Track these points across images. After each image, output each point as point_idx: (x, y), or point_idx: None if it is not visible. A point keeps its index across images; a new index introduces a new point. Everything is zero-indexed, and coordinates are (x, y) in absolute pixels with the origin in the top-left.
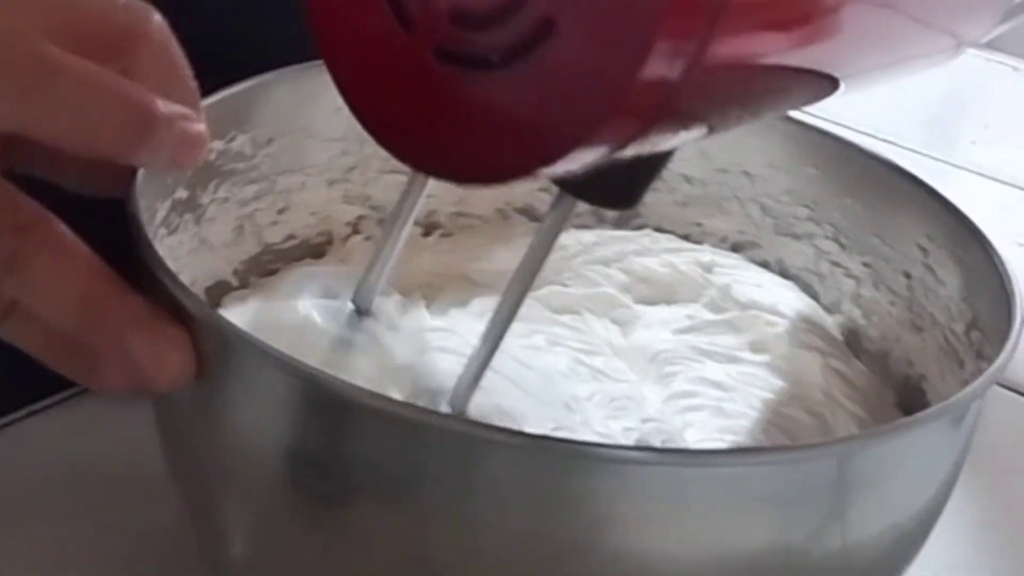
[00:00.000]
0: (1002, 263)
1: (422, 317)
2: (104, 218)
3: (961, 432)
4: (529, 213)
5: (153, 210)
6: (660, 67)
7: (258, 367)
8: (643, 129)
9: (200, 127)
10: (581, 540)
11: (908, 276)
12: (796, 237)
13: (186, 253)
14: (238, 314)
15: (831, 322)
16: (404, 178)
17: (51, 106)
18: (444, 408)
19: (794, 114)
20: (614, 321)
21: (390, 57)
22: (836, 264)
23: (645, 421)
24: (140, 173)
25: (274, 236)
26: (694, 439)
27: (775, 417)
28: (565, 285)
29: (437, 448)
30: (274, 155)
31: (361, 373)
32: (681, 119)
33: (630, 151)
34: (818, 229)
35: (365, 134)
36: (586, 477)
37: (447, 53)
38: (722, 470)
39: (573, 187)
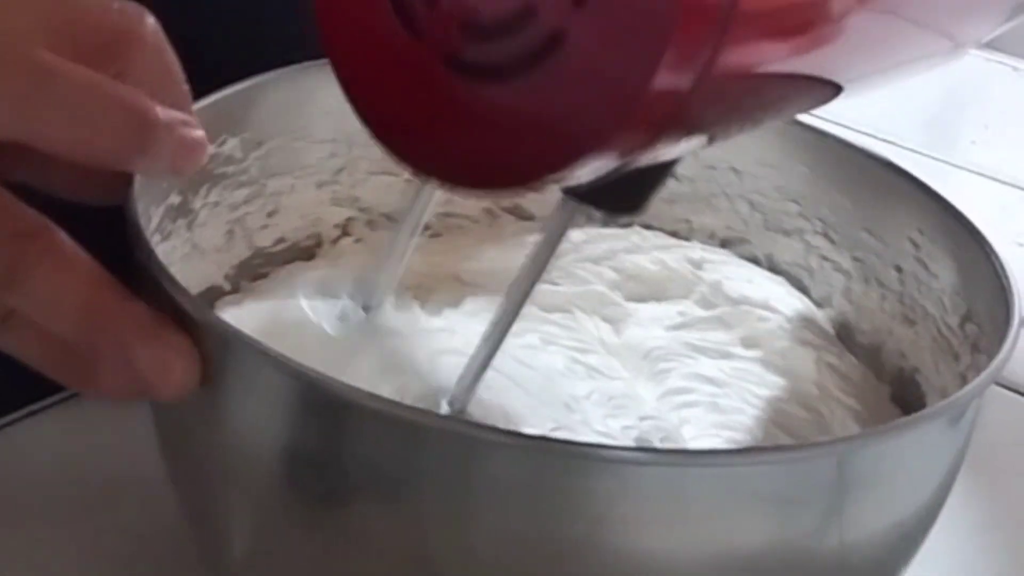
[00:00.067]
0: (997, 257)
1: (419, 318)
2: (97, 224)
3: (960, 431)
4: (517, 212)
5: (148, 216)
6: (671, 77)
7: (257, 368)
8: (653, 138)
9: (199, 133)
10: (580, 541)
11: (899, 270)
12: (786, 233)
13: (179, 259)
14: (238, 316)
15: (822, 317)
16: (392, 179)
17: (49, 112)
18: (444, 408)
19: None
20: (605, 319)
21: (396, 62)
22: (826, 259)
23: (643, 419)
24: (137, 179)
25: (264, 240)
26: (691, 435)
27: (771, 413)
28: (555, 284)
29: (436, 449)
30: (264, 158)
31: (362, 373)
32: (690, 128)
33: (638, 160)
34: (807, 224)
35: (353, 136)
36: (585, 478)
37: (455, 61)
38: (722, 470)
39: (578, 193)
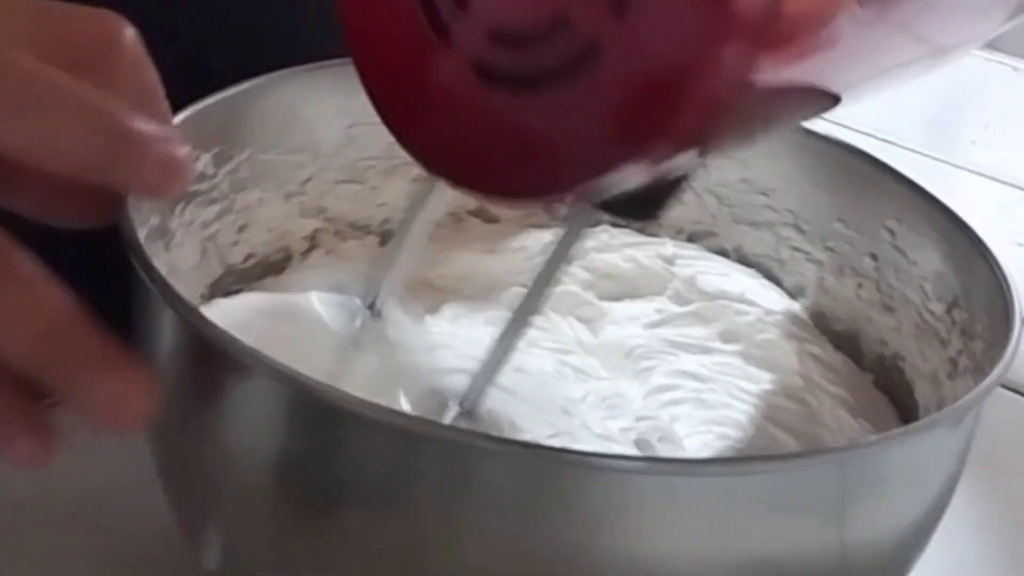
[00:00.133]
0: (985, 246)
1: (423, 320)
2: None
3: (961, 436)
4: (482, 215)
5: None
6: (711, 90)
7: (250, 375)
8: (681, 152)
9: (182, 149)
10: (577, 549)
11: (875, 258)
12: (755, 225)
13: None
14: (246, 313)
15: (799, 307)
16: (358, 188)
17: (25, 120)
18: (454, 409)
19: None
20: (580, 319)
21: (422, 67)
22: (797, 249)
23: (640, 419)
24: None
25: (235, 256)
26: (682, 433)
27: (759, 406)
28: (527, 286)
29: (430, 457)
30: (233, 172)
31: (369, 373)
32: (718, 139)
33: (665, 171)
34: (776, 216)
35: (319, 145)
36: (583, 486)
37: (484, 69)
38: (724, 479)
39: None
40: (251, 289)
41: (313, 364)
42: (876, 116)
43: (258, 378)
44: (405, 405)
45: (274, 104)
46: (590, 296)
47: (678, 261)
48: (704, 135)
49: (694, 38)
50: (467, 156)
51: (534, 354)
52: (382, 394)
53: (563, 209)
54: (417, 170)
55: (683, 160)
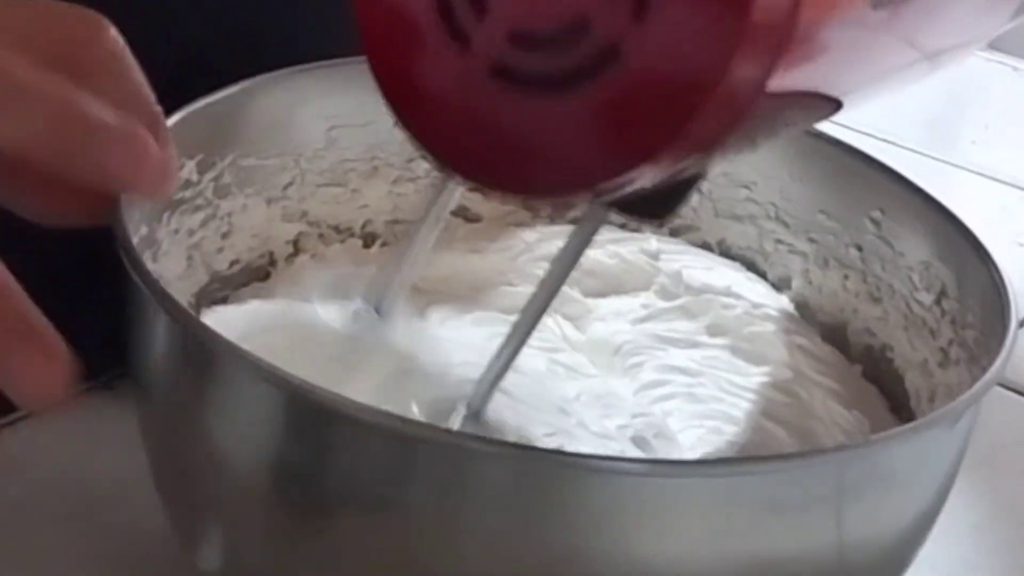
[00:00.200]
0: (970, 232)
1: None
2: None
3: (958, 435)
4: (463, 214)
5: None
6: (731, 93)
7: (243, 378)
8: (696, 155)
9: (154, 145)
10: (573, 551)
11: (860, 248)
12: (737, 218)
13: None
14: (249, 313)
15: (785, 299)
16: (339, 191)
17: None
18: (462, 412)
19: None
20: (566, 317)
21: (440, 68)
22: (780, 242)
23: (635, 416)
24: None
25: (221, 263)
26: (675, 428)
27: (750, 399)
28: (512, 284)
29: (425, 459)
30: (216, 178)
31: (378, 377)
32: (739, 140)
33: (683, 172)
34: (759, 209)
35: (300, 148)
36: (578, 488)
37: (503, 71)
38: (722, 480)
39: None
40: (237, 296)
41: (319, 370)
42: (876, 116)
43: (252, 381)
44: (416, 410)
45: (255, 109)
46: (575, 293)
47: (663, 256)
48: (720, 139)
49: (713, 42)
50: (483, 155)
51: (525, 353)
52: (393, 400)
53: (575, 209)
54: (398, 172)
55: (696, 163)
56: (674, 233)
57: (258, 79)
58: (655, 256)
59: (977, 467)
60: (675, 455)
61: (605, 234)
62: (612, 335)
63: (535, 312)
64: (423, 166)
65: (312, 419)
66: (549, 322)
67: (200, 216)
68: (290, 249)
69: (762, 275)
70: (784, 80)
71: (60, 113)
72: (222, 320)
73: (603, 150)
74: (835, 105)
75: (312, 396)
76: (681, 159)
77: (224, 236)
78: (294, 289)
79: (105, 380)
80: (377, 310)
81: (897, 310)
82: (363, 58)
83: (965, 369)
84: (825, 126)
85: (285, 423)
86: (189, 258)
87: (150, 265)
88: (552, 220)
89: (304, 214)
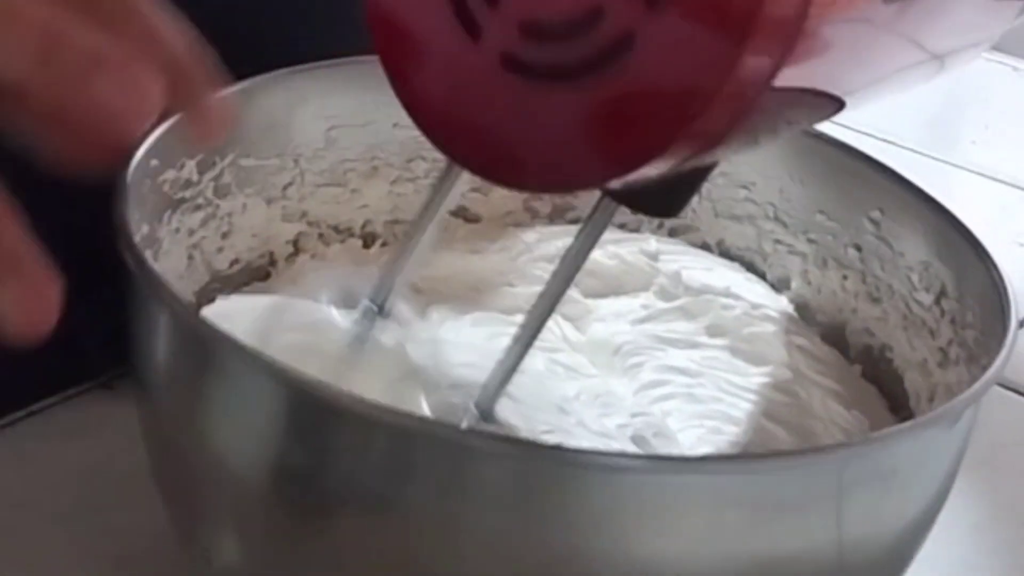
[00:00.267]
0: (969, 232)
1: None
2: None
3: (958, 434)
4: (463, 214)
5: None
6: (742, 83)
7: (244, 374)
8: (711, 146)
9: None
10: (573, 551)
11: (859, 248)
12: (736, 219)
13: None
14: (254, 312)
15: (785, 299)
16: (339, 191)
17: None
18: (472, 411)
19: None
20: (566, 317)
21: (450, 57)
22: (779, 242)
23: (635, 416)
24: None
25: (221, 263)
26: (675, 428)
27: (750, 399)
28: (512, 285)
29: (426, 456)
30: (216, 178)
31: (386, 376)
32: (745, 135)
33: (693, 164)
34: (758, 210)
35: (299, 149)
36: (579, 485)
37: (515, 62)
38: (721, 477)
39: (616, 194)
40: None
41: (325, 367)
42: (876, 116)
43: (252, 376)
44: (425, 408)
45: (255, 109)
46: (575, 293)
47: (662, 257)
48: (728, 132)
49: (727, 31)
50: (495, 147)
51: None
52: (400, 402)
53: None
54: (397, 172)
55: (717, 154)
56: (673, 233)
57: (258, 79)
58: (654, 257)
59: (977, 467)
60: (675, 454)
61: (605, 234)
62: (612, 335)
63: (543, 311)
64: (423, 166)
65: (314, 415)
66: (549, 322)
67: (200, 215)
68: (290, 249)
69: (761, 275)
70: (793, 74)
71: (51, 42)
72: (221, 313)
73: (614, 142)
74: (838, 104)
75: (315, 391)
76: (689, 152)
77: (224, 236)
78: (294, 289)
79: (105, 380)
80: (378, 310)
81: (896, 310)
82: (363, 58)
83: (965, 369)
84: (825, 126)
85: (287, 419)
86: (190, 257)
87: (151, 264)
88: (552, 220)
89: (304, 214)
